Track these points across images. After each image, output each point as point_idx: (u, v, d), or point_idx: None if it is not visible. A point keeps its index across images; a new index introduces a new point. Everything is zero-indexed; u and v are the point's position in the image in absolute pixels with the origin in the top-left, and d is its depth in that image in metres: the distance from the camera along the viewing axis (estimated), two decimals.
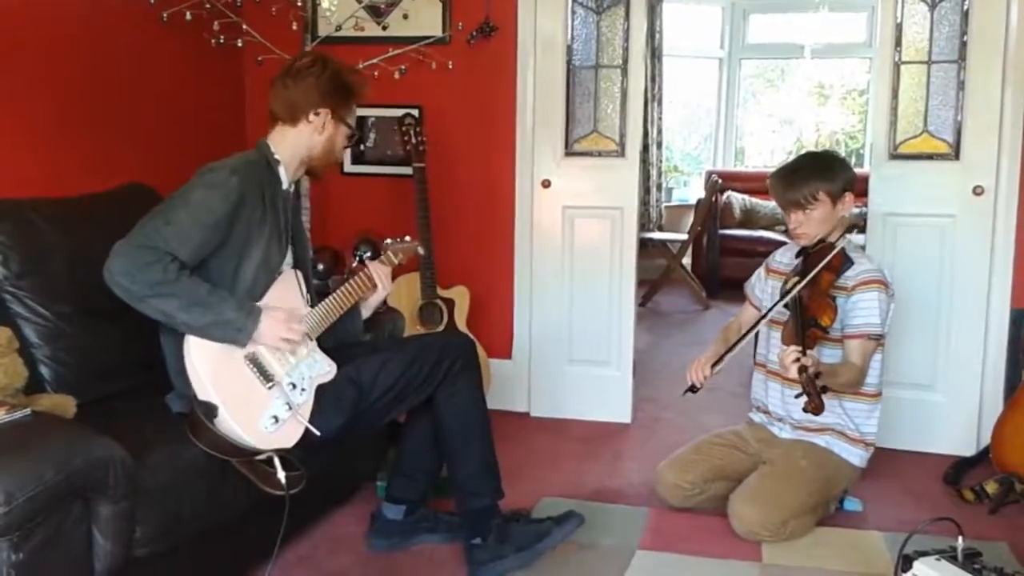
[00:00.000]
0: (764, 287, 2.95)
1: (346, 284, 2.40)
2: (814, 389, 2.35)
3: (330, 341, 2.38)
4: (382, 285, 2.48)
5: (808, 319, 2.54)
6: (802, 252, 2.77)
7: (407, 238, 2.60)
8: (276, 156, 2.33)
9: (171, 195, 2.15)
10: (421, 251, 2.68)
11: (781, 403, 2.83)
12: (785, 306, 2.62)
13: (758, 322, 2.71)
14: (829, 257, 2.61)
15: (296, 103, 2.32)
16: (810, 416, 2.74)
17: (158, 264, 2.01)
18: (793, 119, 8.53)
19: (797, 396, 2.42)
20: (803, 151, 8.18)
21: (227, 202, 2.14)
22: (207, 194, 2.13)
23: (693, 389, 2.67)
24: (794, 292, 2.60)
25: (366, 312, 2.55)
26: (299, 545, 2.57)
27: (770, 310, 2.69)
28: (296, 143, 2.36)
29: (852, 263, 2.69)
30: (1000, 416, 3.08)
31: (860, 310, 2.66)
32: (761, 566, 2.50)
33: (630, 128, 3.62)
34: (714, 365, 2.66)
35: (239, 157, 2.26)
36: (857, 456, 2.78)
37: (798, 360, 2.38)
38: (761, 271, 3.01)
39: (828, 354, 2.69)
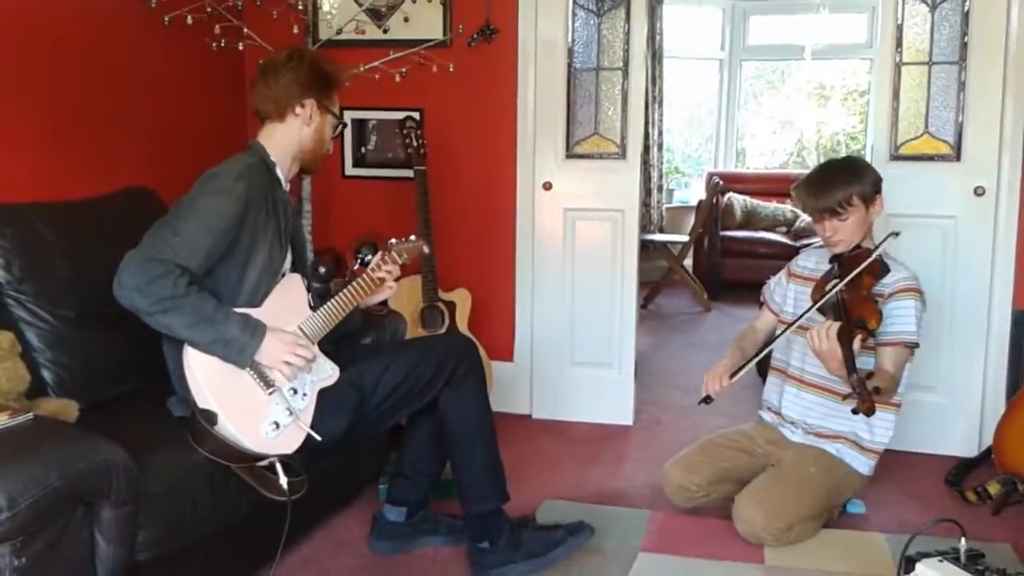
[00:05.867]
0: (785, 292, 2.91)
1: (350, 287, 2.38)
2: (865, 389, 2.30)
3: (329, 339, 2.37)
4: (390, 282, 2.44)
5: (854, 320, 2.43)
6: (836, 257, 2.69)
7: (412, 237, 2.57)
8: (272, 158, 2.33)
9: (177, 203, 2.14)
10: (426, 250, 2.67)
11: (795, 408, 2.82)
12: (820, 310, 2.55)
13: (788, 328, 2.67)
14: (869, 260, 2.52)
15: (281, 98, 2.31)
16: (822, 424, 2.74)
17: (168, 277, 2.00)
18: (794, 120, 8.54)
19: (845, 398, 2.36)
20: (803, 152, 8.22)
21: (234, 208, 2.13)
22: (214, 201, 2.12)
23: (708, 400, 2.65)
24: (834, 294, 2.50)
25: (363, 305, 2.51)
26: (302, 548, 2.57)
27: (806, 312, 2.61)
28: (286, 139, 2.35)
29: (889, 270, 2.61)
30: (1002, 417, 3.08)
31: (897, 317, 2.61)
32: (764, 568, 2.50)
33: (631, 130, 3.62)
34: (732, 375, 2.64)
35: (239, 161, 2.24)
36: (866, 465, 2.77)
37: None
38: (782, 276, 2.97)
39: (864, 362, 2.60)
